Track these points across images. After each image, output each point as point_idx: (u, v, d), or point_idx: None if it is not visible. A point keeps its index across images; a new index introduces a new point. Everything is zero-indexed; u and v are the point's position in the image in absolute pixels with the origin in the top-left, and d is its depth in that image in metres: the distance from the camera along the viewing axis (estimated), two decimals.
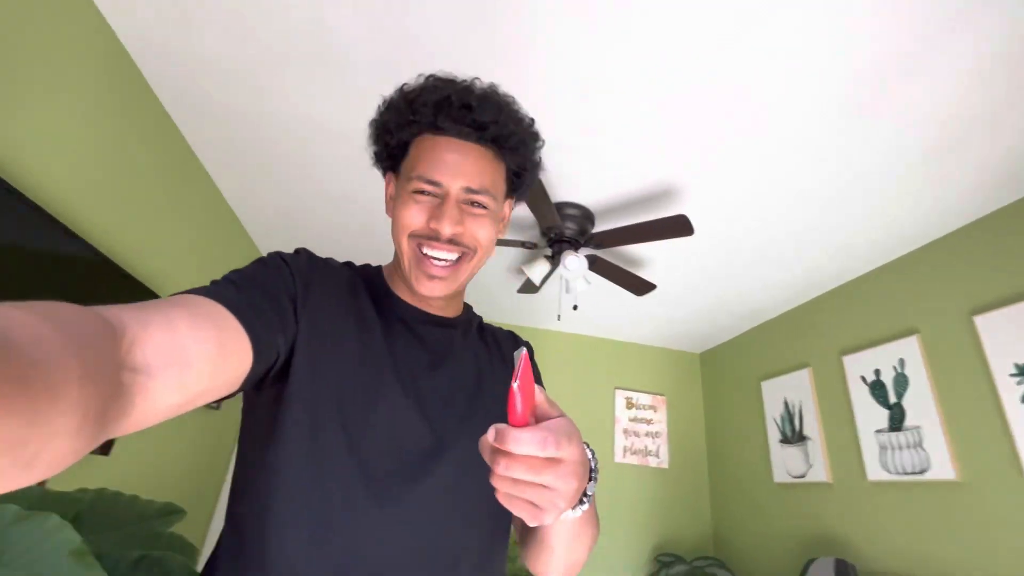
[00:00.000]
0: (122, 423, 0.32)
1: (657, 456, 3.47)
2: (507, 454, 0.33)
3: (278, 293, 0.52)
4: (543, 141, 0.68)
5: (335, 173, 2.09)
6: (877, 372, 2.28)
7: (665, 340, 3.74)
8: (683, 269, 2.62)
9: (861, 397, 2.34)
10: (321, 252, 2.50)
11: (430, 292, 0.60)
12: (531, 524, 0.37)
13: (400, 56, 1.50)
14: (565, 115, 1.68)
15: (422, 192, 0.59)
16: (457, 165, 0.59)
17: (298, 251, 0.61)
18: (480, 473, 0.57)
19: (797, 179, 1.88)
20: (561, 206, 2.15)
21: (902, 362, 2.17)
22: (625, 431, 3.51)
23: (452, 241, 0.59)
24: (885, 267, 2.39)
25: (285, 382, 0.52)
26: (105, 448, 1.69)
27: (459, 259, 0.61)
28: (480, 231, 0.60)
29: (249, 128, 1.88)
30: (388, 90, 0.67)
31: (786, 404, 2.83)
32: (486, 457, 0.35)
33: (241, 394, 0.54)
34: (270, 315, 0.49)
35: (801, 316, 2.89)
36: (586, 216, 2.19)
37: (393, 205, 0.62)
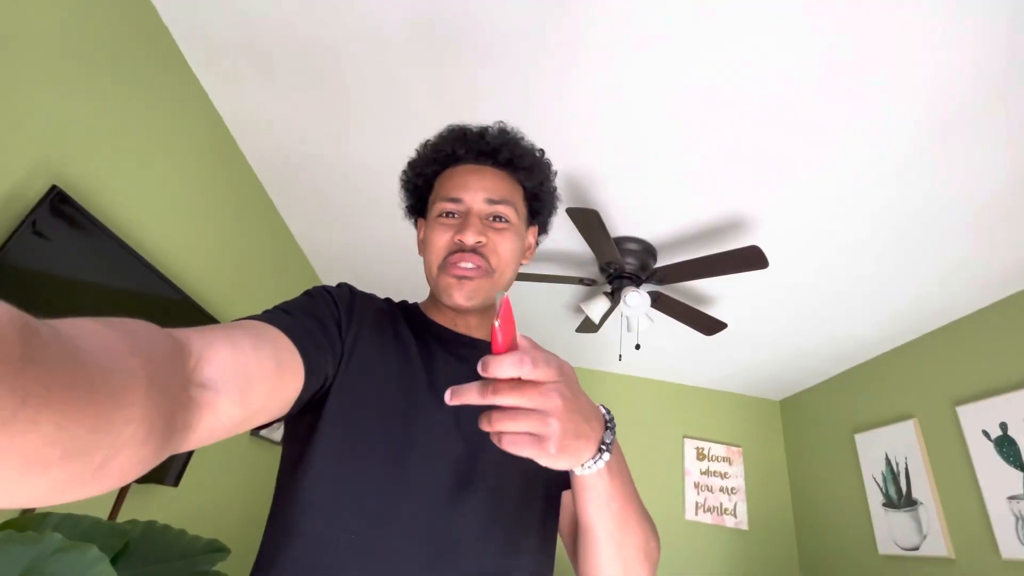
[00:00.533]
0: (189, 437, 0.33)
1: (734, 515, 3.13)
2: (492, 385, 0.37)
3: (325, 320, 0.55)
4: (556, 171, 0.74)
5: (403, 219, 2.16)
6: (1003, 426, 1.94)
7: (739, 385, 3.44)
8: (758, 306, 2.42)
9: (984, 455, 1.99)
10: (393, 296, 2.57)
11: (461, 295, 0.61)
12: (541, 462, 0.38)
13: (464, 114, 1.56)
14: (620, 144, 1.64)
15: (446, 214, 0.64)
16: (476, 181, 0.65)
17: (340, 285, 0.64)
18: (517, 485, 0.57)
19: (891, 198, 1.69)
20: (620, 240, 2.07)
21: None
22: (696, 485, 3.21)
23: (476, 252, 0.62)
24: (1006, 301, 2.07)
25: (325, 404, 0.54)
26: (176, 479, 1.75)
27: (484, 271, 0.63)
28: (502, 244, 0.63)
29: (321, 178, 1.99)
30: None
31: (888, 461, 2.47)
32: (473, 401, 0.37)
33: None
34: (320, 339, 0.52)
35: (902, 359, 2.56)
36: (647, 250, 2.10)
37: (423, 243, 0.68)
